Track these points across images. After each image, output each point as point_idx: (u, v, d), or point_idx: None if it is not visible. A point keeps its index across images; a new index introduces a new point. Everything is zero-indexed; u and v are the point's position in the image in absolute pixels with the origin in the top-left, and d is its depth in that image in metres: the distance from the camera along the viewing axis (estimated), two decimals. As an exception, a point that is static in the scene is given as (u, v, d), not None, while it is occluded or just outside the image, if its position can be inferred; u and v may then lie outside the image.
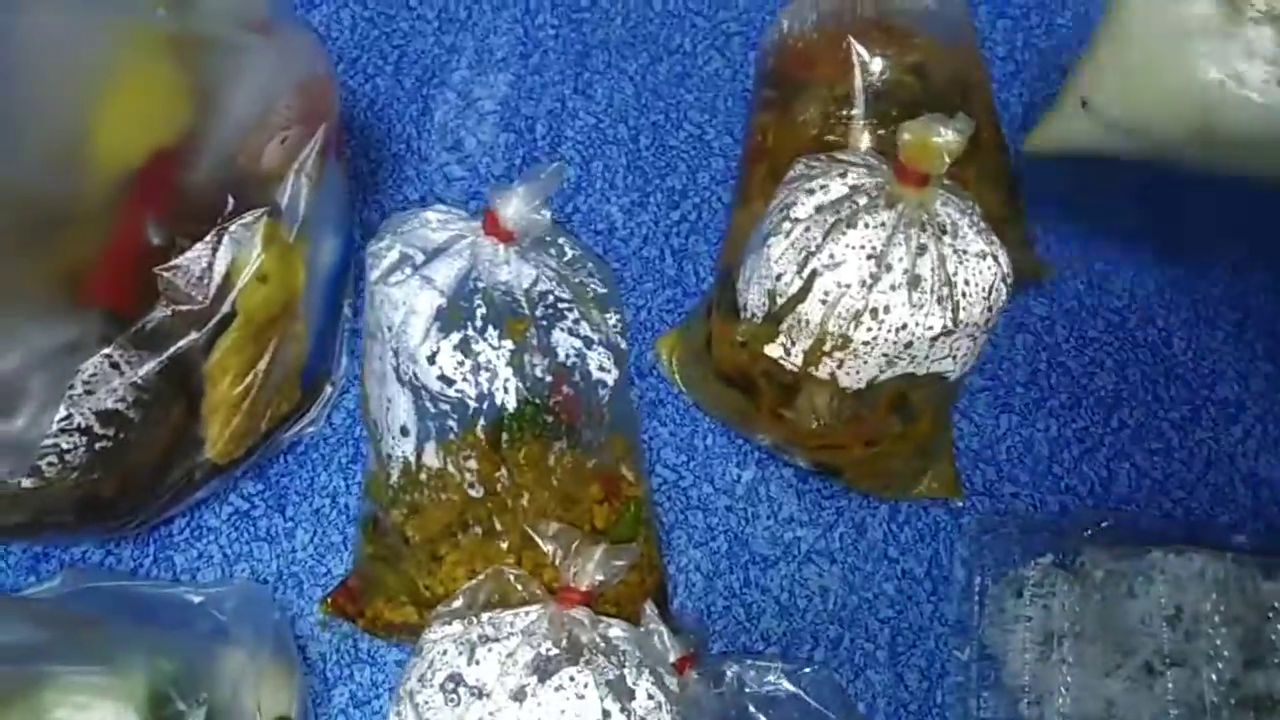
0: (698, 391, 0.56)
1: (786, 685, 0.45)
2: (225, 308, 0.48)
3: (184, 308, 0.47)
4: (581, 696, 0.36)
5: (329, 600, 0.50)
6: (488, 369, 0.41)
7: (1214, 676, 0.42)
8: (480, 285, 0.42)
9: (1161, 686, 0.42)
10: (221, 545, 0.53)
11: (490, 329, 0.41)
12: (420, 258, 0.42)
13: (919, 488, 0.54)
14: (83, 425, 0.46)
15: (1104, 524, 0.50)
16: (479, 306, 0.41)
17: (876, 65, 0.57)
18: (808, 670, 0.46)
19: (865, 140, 0.57)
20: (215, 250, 0.48)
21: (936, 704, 0.50)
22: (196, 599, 0.47)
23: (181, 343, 0.47)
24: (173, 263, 0.47)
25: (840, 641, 0.51)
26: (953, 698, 0.50)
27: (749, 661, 0.46)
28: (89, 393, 0.46)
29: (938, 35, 0.59)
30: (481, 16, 0.68)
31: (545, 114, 0.65)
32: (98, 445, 0.47)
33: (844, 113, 0.57)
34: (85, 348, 0.46)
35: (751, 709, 0.44)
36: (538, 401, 0.42)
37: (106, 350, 0.46)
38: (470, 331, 0.41)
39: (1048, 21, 0.68)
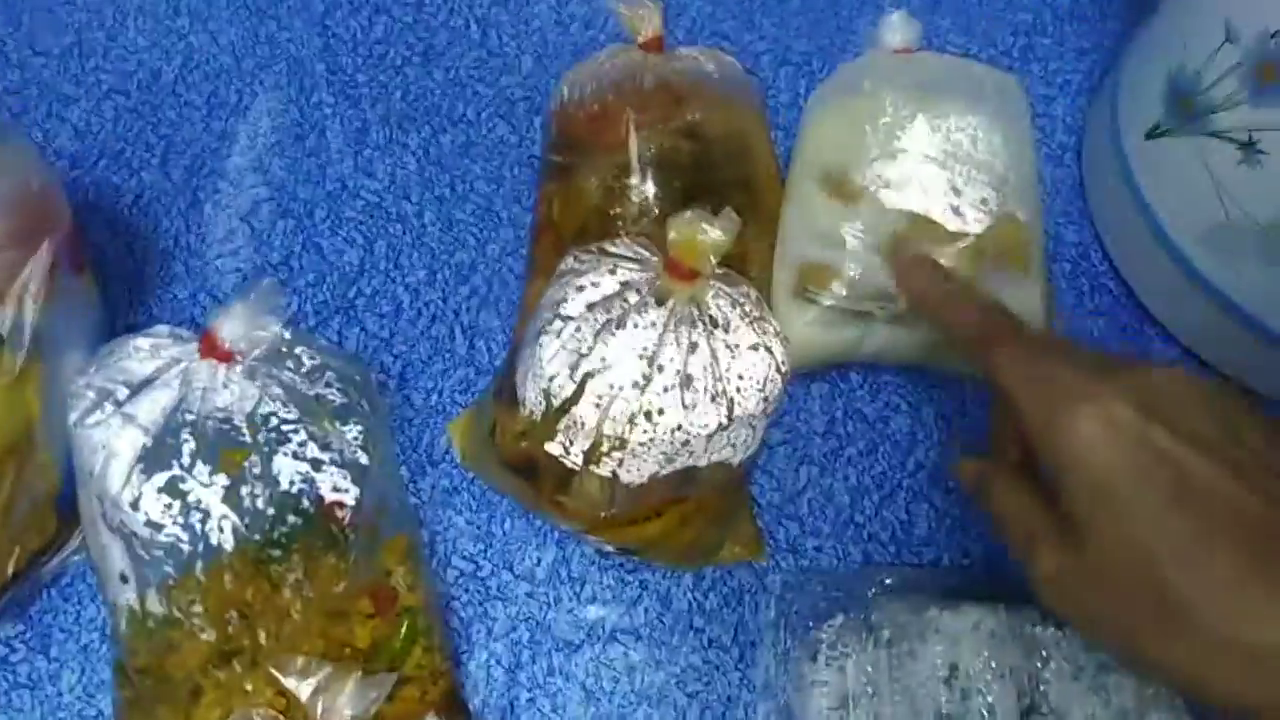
0: (488, 476, 0.54)
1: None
2: (-53, 448, 0.45)
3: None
4: None
5: (95, 751, 0.46)
6: (199, 509, 0.39)
7: None
8: (190, 416, 0.39)
9: (946, 750, 0.42)
10: (-24, 699, 0.49)
11: (200, 465, 0.39)
12: (123, 392, 0.40)
13: (721, 554, 0.54)
14: None
15: (888, 580, 0.50)
16: (186, 441, 0.39)
17: (652, 132, 0.57)
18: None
19: (647, 212, 0.56)
20: (-72, 387, 0.44)
21: (748, 778, 0.50)
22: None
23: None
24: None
25: (648, 723, 0.50)
26: (761, 767, 0.49)
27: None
28: None
29: (718, 94, 0.59)
30: (253, 100, 0.66)
31: (324, 196, 0.63)
32: None
33: (624, 182, 0.57)
34: None
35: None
36: (258, 536, 0.39)
37: None
38: (178, 470, 0.39)
39: (829, 66, 0.68)
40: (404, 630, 0.44)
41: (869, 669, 0.46)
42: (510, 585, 0.53)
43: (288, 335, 0.42)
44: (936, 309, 0.48)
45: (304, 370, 0.42)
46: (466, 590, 0.53)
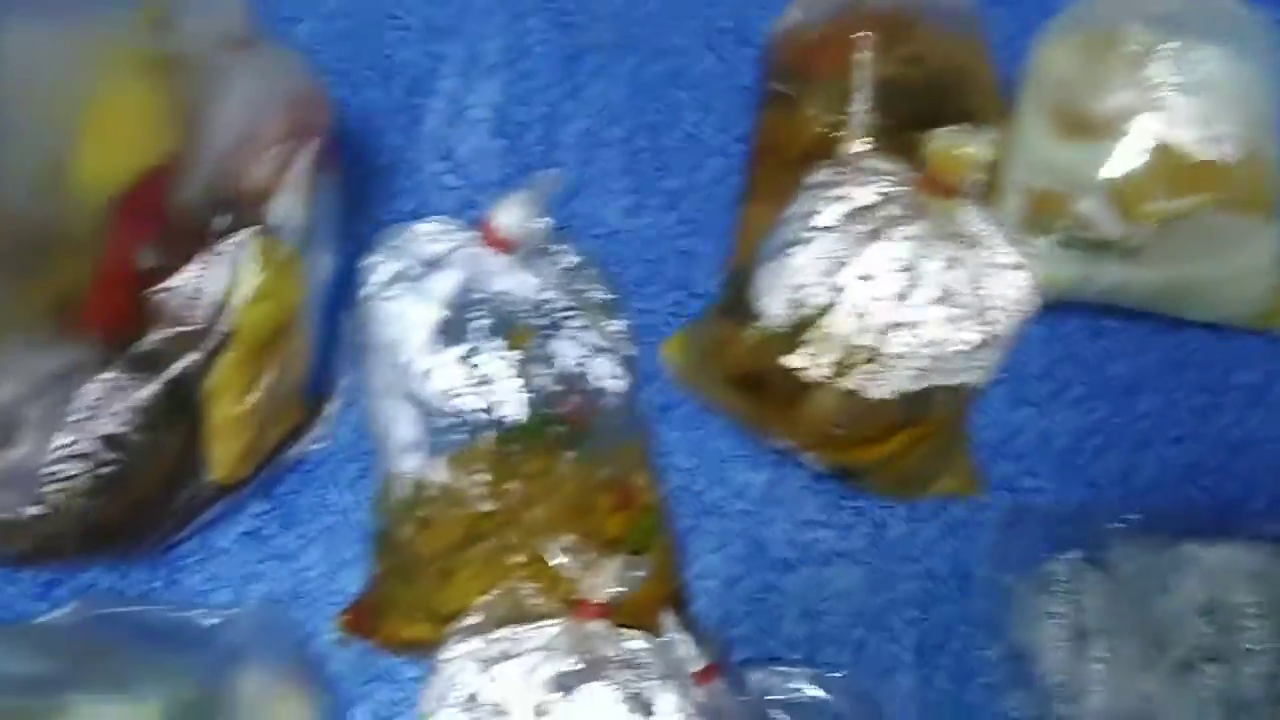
0: (706, 393, 0.54)
1: (811, 691, 0.44)
2: (223, 327, 0.47)
3: (181, 329, 0.46)
4: (605, 712, 0.35)
5: (344, 618, 0.49)
6: (492, 381, 0.40)
7: (1252, 670, 0.41)
8: (480, 296, 0.41)
9: (1199, 682, 0.41)
10: (233, 566, 0.52)
11: (493, 339, 0.40)
12: (417, 271, 0.42)
13: (937, 485, 0.53)
14: (86, 451, 0.45)
15: (1131, 516, 0.48)
16: (480, 317, 0.41)
17: (877, 59, 0.56)
18: (833, 676, 0.45)
19: (870, 137, 0.55)
20: (209, 270, 0.47)
21: (966, 705, 0.49)
22: (210, 623, 0.46)
23: (181, 364, 0.46)
24: (166, 285, 0.46)
25: (865, 645, 0.50)
26: (983, 698, 0.49)
27: (772, 669, 0.45)
28: (90, 418, 0.46)
29: (941, 24, 0.59)
30: (468, 24, 0.67)
31: (537, 119, 0.64)
32: (102, 470, 0.46)
33: (850, 108, 0.56)
34: (83, 373, 0.45)
35: (776, 716, 0.43)
36: (546, 411, 0.41)
37: (105, 374, 0.46)
38: (473, 343, 0.40)
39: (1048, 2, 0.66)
40: (646, 523, 0.45)
41: (1107, 604, 0.45)
42: (726, 501, 0.54)
43: (553, 233, 0.44)
44: None
45: (566, 267, 0.44)
46: (683, 503, 0.53)
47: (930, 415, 0.48)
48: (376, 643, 0.48)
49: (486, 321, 0.41)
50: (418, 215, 0.60)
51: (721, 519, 0.53)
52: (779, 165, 0.57)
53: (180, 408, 0.47)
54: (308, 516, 0.53)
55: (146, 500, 0.48)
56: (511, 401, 0.40)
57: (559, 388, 0.41)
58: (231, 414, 0.48)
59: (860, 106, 0.56)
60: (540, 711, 0.35)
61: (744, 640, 0.50)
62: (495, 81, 0.65)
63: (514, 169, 0.62)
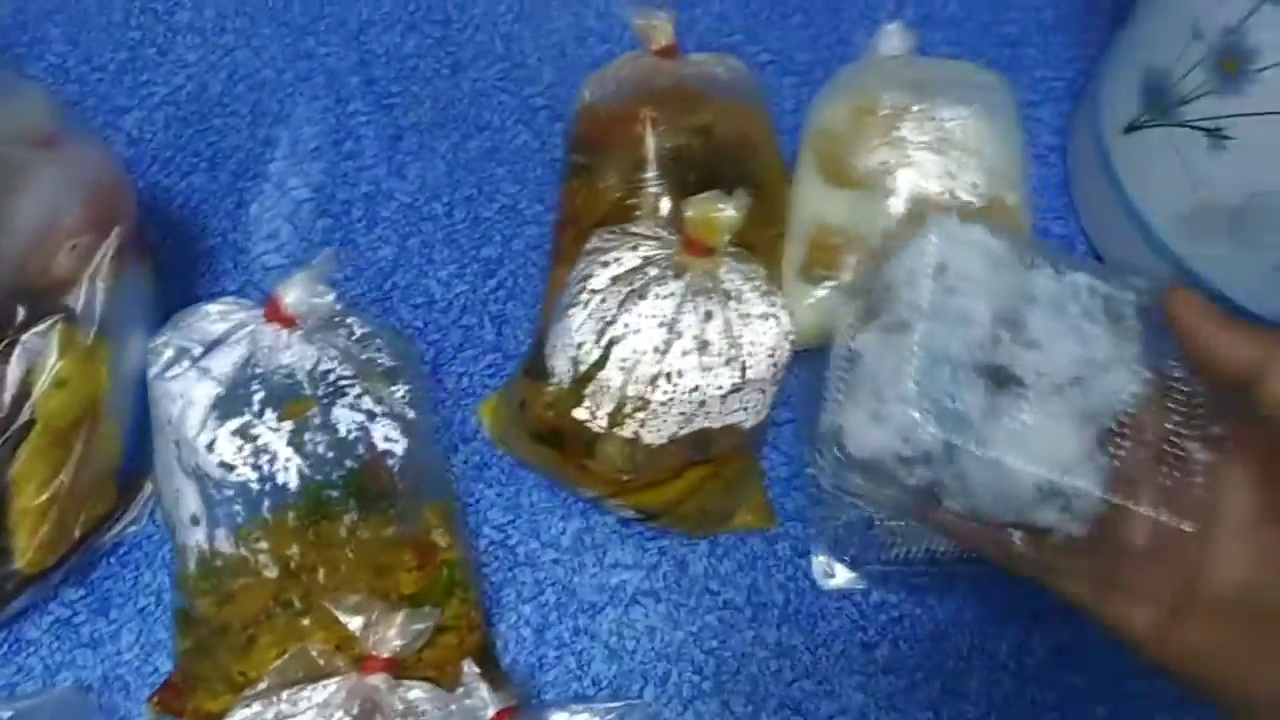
0: (517, 451, 0.58)
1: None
2: (24, 415, 0.48)
3: (-20, 419, 0.47)
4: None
5: (155, 699, 0.50)
6: (268, 451, 0.42)
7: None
8: (259, 371, 0.44)
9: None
10: (43, 656, 0.52)
11: (268, 411, 0.43)
12: (198, 350, 0.44)
13: (734, 521, 0.57)
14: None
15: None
16: (256, 391, 0.43)
17: (667, 131, 0.61)
18: (632, 706, 0.48)
19: (662, 205, 0.60)
20: (8, 358, 0.48)
21: (763, 728, 0.53)
22: (7, 714, 0.46)
23: (-19, 453, 0.47)
24: (-38, 375, 0.47)
25: (668, 677, 0.53)
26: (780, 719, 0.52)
27: (575, 707, 0.48)
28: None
29: (726, 96, 0.64)
30: (294, 109, 0.70)
31: (360, 197, 0.67)
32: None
33: (641, 177, 0.61)
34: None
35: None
36: (321, 479, 0.43)
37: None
38: (248, 416, 0.43)
39: (830, 75, 0.73)
40: (444, 580, 0.48)
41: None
42: (538, 552, 0.56)
43: (339, 306, 0.46)
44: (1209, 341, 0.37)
45: (355, 337, 0.47)
46: (496, 558, 0.56)
47: (712, 455, 0.52)
48: (188, 720, 0.49)
49: (262, 395, 0.43)
50: (240, 294, 0.64)
51: (534, 569, 0.56)
52: (579, 232, 0.61)
53: (-19, 497, 0.48)
54: (121, 600, 0.54)
55: (-49, 591, 0.48)
56: (286, 470, 0.43)
57: (332, 454, 0.43)
58: (34, 503, 0.49)
59: (651, 175, 0.61)
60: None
61: (554, 684, 0.53)
62: (320, 163, 0.68)
63: (338, 245, 0.65)
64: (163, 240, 0.65)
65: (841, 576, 0.56)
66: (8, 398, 0.48)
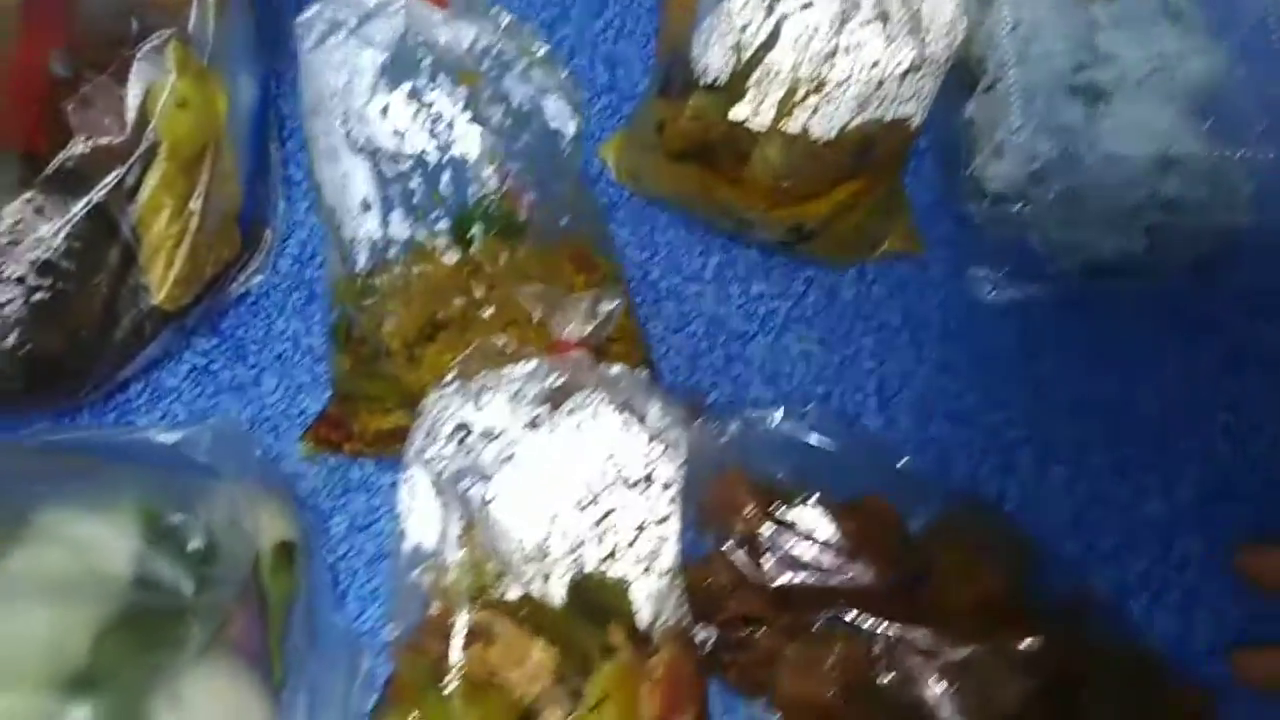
0: (650, 183, 0.55)
1: (789, 426, 0.45)
2: (147, 138, 0.45)
3: (101, 141, 0.45)
4: (597, 415, 0.35)
5: (310, 434, 0.48)
6: (444, 119, 0.39)
7: None
8: (421, 39, 0.40)
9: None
10: (186, 402, 0.50)
11: (441, 76, 0.40)
12: (354, 21, 0.40)
13: (881, 248, 0.55)
14: (16, 275, 0.44)
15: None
16: (424, 57, 0.40)
17: None
18: (807, 410, 0.46)
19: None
20: (125, 78, 0.45)
21: (930, 438, 0.51)
22: (170, 440, 0.45)
23: (106, 180, 0.45)
24: (81, 93, 0.44)
25: (830, 397, 0.52)
26: (946, 430, 0.51)
27: (749, 412, 0.46)
28: (14, 243, 0.44)
29: None
30: None
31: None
32: (35, 297, 0.44)
33: None
34: (3, 193, 0.43)
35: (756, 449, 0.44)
36: (501, 148, 0.40)
37: (26, 195, 0.44)
38: (421, 81, 0.39)
39: None
40: (611, 274, 0.45)
41: None
42: (681, 286, 0.54)
43: (482, -5, 0.43)
44: None
45: (505, 25, 0.43)
46: (639, 292, 0.54)
47: (871, 164, 0.50)
48: (348, 451, 0.47)
49: (431, 60, 0.40)
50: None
51: (679, 302, 0.54)
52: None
53: (111, 230, 0.46)
54: (256, 348, 0.51)
55: (87, 330, 0.46)
56: (465, 138, 0.40)
57: (510, 122, 0.40)
58: (167, 233, 0.47)
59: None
60: (533, 424, 0.35)
61: (714, 407, 0.51)
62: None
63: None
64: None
65: (1001, 291, 0.54)
66: (128, 119, 0.45)
